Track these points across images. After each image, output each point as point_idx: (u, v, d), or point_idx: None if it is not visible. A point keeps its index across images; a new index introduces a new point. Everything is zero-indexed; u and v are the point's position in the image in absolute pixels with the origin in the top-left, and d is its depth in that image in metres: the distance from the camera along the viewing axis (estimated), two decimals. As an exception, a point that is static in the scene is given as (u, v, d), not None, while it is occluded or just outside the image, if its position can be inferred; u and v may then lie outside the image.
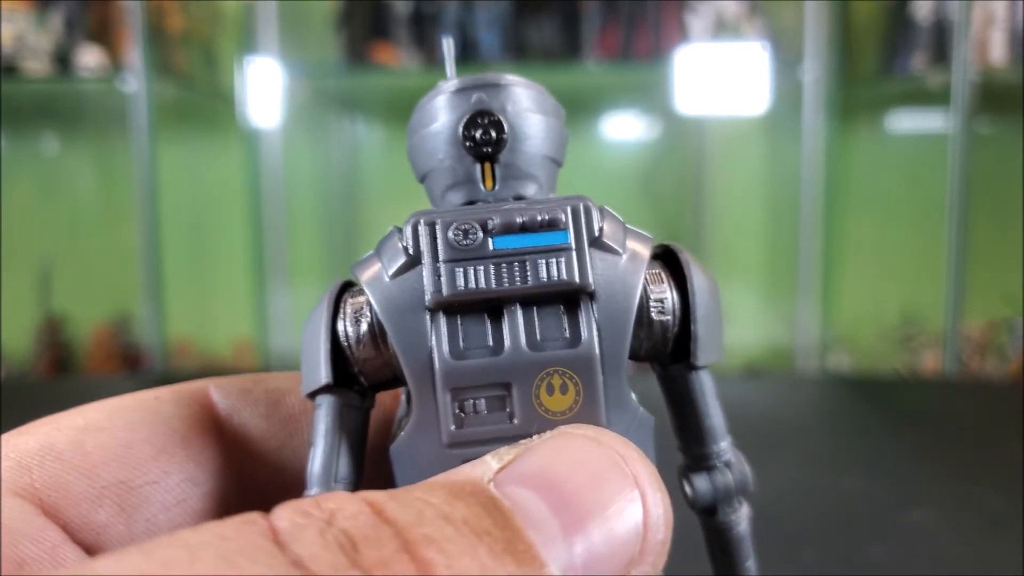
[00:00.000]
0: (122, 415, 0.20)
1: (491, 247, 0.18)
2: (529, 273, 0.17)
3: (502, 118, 0.19)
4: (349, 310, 0.19)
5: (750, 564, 0.21)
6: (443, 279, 0.17)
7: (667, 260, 0.20)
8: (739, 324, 1.80)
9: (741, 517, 0.20)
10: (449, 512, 0.12)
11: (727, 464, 0.20)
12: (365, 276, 0.18)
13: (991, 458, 0.57)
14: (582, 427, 0.16)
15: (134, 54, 1.58)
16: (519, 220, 0.18)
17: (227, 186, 1.83)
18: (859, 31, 1.77)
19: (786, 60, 1.68)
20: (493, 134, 0.19)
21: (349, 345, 0.19)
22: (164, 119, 1.69)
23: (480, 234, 0.18)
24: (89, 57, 1.63)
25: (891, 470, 0.55)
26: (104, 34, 1.67)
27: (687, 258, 0.19)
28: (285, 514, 0.13)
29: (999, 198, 1.60)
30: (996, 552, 0.41)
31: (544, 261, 0.18)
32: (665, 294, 0.19)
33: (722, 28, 1.68)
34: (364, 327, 0.19)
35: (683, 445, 0.20)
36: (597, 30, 1.66)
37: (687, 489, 0.20)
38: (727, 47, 1.68)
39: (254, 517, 0.13)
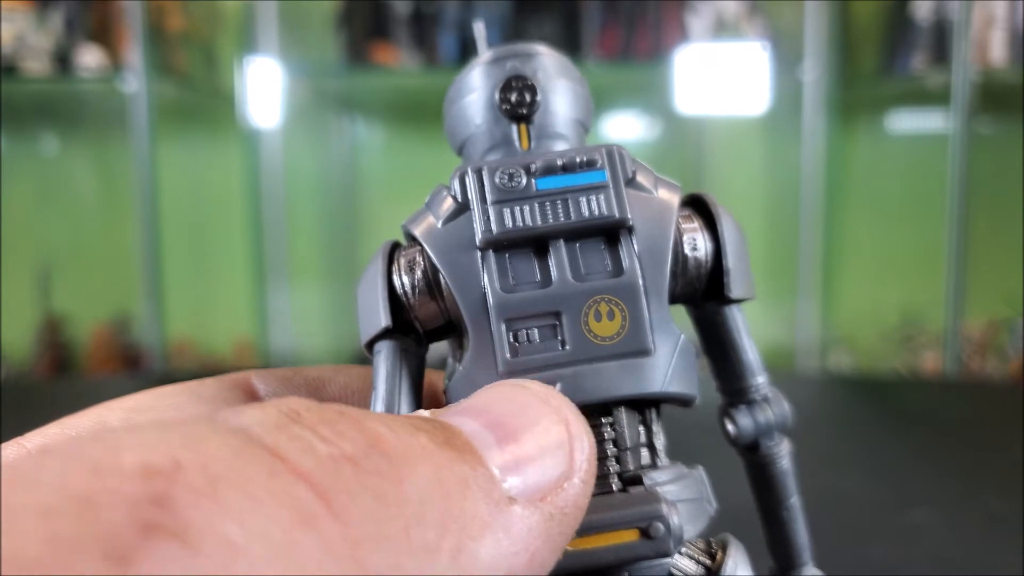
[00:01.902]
0: (169, 398, 0.21)
1: (535, 188, 0.19)
2: (572, 209, 0.19)
3: (535, 83, 0.20)
4: (403, 261, 0.20)
5: (794, 500, 0.22)
6: (492, 219, 0.18)
7: (696, 208, 0.21)
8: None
9: (783, 452, 0.21)
10: (394, 419, 0.13)
11: (765, 399, 0.21)
12: (417, 226, 0.20)
13: (991, 458, 0.57)
14: (511, 380, 0.17)
15: (134, 54, 1.58)
16: (559, 162, 0.19)
17: (227, 186, 1.83)
18: (859, 31, 1.77)
19: (786, 60, 1.68)
20: (527, 97, 0.20)
21: (405, 293, 0.20)
22: (164, 119, 1.69)
23: (524, 177, 0.19)
24: (89, 57, 1.63)
25: (891, 470, 0.55)
26: (104, 34, 1.67)
27: (715, 201, 0.20)
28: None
29: (999, 198, 1.60)
30: (996, 552, 0.41)
31: (585, 198, 0.19)
32: (697, 233, 0.20)
33: (722, 28, 1.68)
34: (419, 274, 0.20)
35: (721, 384, 0.21)
36: (597, 30, 1.66)
37: (729, 427, 0.21)
38: (727, 47, 1.68)
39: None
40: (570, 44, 1.65)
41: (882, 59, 1.70)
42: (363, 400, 0.20)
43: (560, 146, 0.20)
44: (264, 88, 1.70)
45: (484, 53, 0.21)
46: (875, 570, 0.40)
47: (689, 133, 1.85)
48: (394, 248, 0.20)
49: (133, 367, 1.79)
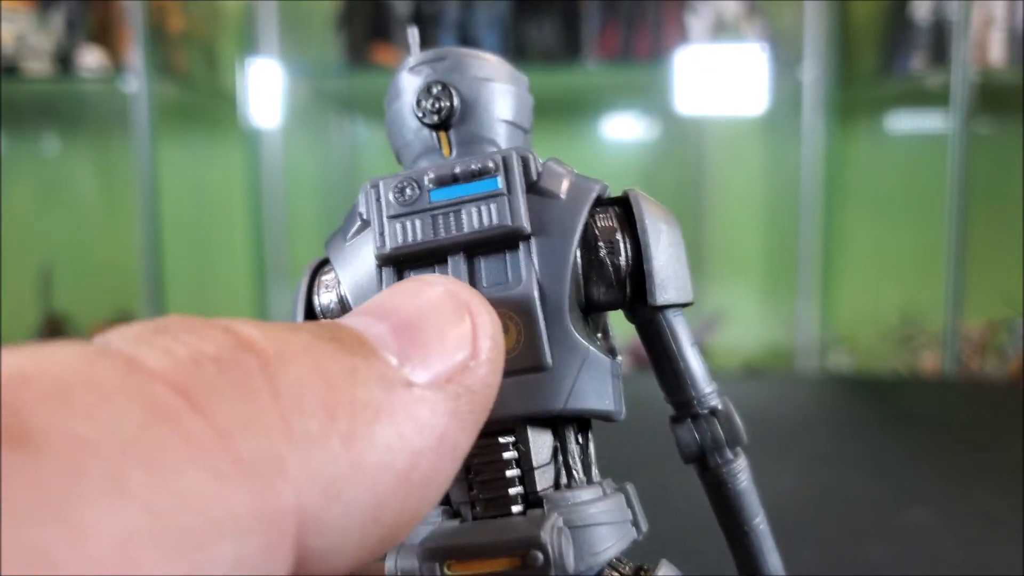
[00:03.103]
0: None
1: (428, 200, 0.18)
2: (464, 221, 0.18)
3: (452, 88, 0.19)
4: (324, 279, 0.20)
5: (758, 522, 0.20)
6: (387, 235, 0.18)
7: (623, 207, 0.20)
8: (739, 324, 1.80)
9: (737, 470, 0.20)
10: (271, 324, 0.13)
11: (713, 412, 0.20)
12: (330, 245, 0.20)
13: (990, 458, 0.57)
14: (414, 276, 0.17)
15: (135, 54, 1.58)
16: (452, 172, 0.18)
17: (227, 186, 1.83)
18: (858, 31, 1.77)
19: (785, 60, 1.68)
20: (444, 103, 0.19)
21: (322, 312, 0.20)
22: (165, 119, 1.69)
23: (417, 190, 0.18)
24: (90, 57, 1.63)
25: (891, 470, 0.55)
26: (105, 34, 1.67)
27: (638, 197, 0.19)
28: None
29: (998, 198, 1.60)
30: (995, 552, 0.42)
31: (476, 208, 0.18)
32: (615, 235, 0.19)
33: (722, 29, 1.68)
34: (333, 294, 0.20)
35: (666, 395, 0.20)
36: (597, 30, 1.67)
37: (677, 441, 0.20)
38: (727, 48, 1.68)
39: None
40: (570, 44, 1.66)
41: (881, 59, 1.71)
42: None
43: (488, 150, 0.20)
44: (265, 88, 1.70)
45: (409, 58, 0.21)
46: (874, 570, 0.40)
47: (689, 133, 1.85)
48: (321, 265, 0.20)
49: (134, 367, 1.79)
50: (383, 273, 0.18)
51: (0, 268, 1.67)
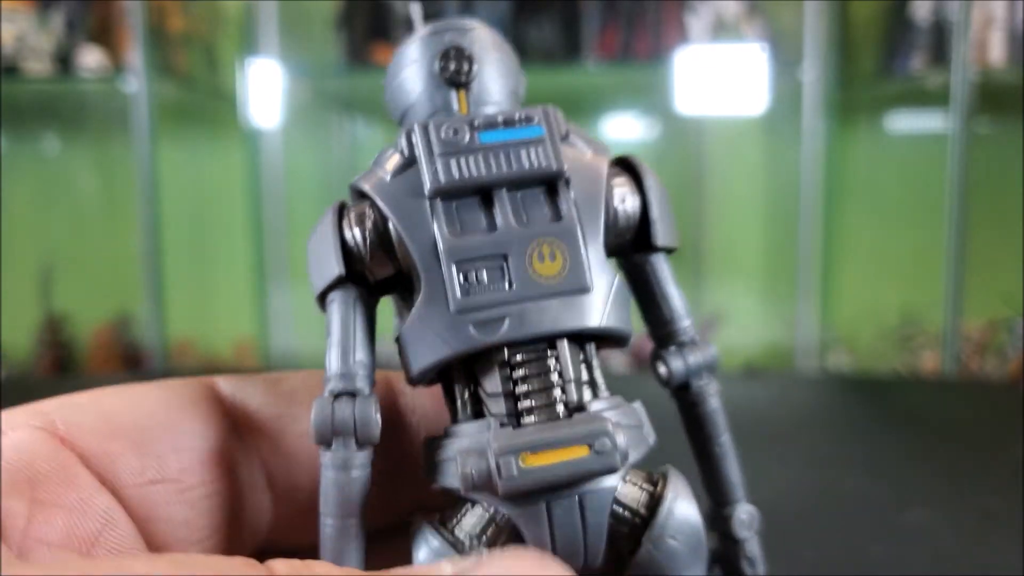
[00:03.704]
0: (135, 387, 0.22)
1: (478, 141, 0.20)
2: (513, 160, 0.20)
3: (471, 54, 0.21)
4: (353, 215, 0.21)
5: (725, 439, 0.23)
6: (440, 170, 0.20)
7: (625, 168, 0.23)
8: (739, 324, 1.80)
9: (712, 391, 0.23)
10: None
11: (693, 341, 0.23)
12: (367, 182, 0.21)
13: (990, 458, 0.57)
14: (531, 552, 0.18)
15: (135, 55, 1.59)
16: (500, 117, 0.20)
17: (228, 186, 1.83)
18: (858, 31, 1.77)
19: (785, 61, 1.68)
20: (465, 66, 0.21)
21: (356, 244, 0.21)
22: (165, 120, 1.69)
23: (467, 131, 0.20)
24: (90, 58, 1.63)
25: (890, 470, 0.55)
26: (105, 35, 1.67)
27: (640, 162, 0.22)
28: (281, 567, 0.14)
29: (998, 198, 1.60)
30: (995, 552, 0.42)
31: (524, 150, 0.20)
32: (625, 188, 0.22)
33: (722, 29, 1.68)
34: (369, 225, 0.21)
35: (652, 329, 0.23)
36: (597, 30, 1.67)
37: (661, 369, 0.23)
38: (726, 48, 1.68)
39: (253, 562, 0.14)
40: (570, 45, 1.66)
41: (881, 59, 1.71)
42: (312, 395, 0.21)
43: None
44: (265, 88, 1.70)
45: (421, 28, 0.22)
46: (873, 569, 0.40)
47: (688, 134, 1.85)
48: (343, 206, 0.21)
49: (134, 367, 1.79)
50: (435, 205, 0.20)
51: (0, 268, 1.67)
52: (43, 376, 1.76)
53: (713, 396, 0.23)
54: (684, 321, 0.23)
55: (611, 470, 0.19)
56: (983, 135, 1.60)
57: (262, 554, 0.17)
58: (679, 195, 1.84)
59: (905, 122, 1.89)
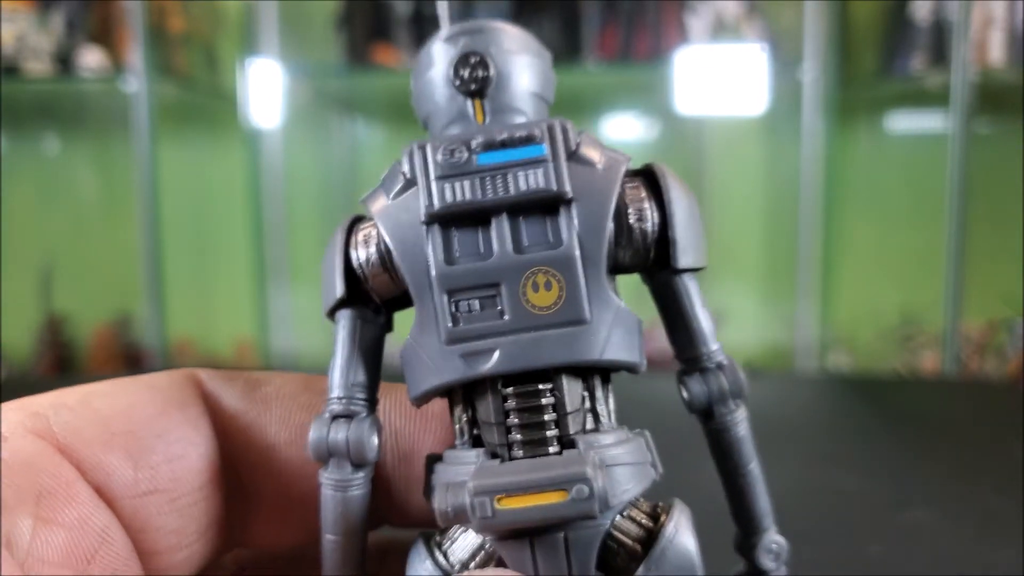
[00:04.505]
0: (123, 386, 0.22)
1: (476, 163, 0.19)
2: (511, 184, 0.19)
3: (487, 58, 0.20)
4: (360, 237, 0.21)
5: (753, 467, 0.22)
6: (435, 194, 0.19)
7: (647, 179, 0.21)
8: (738, 324, 1.80)
9: (738, 419, 0.22)
10: None
11: (719, 366, 0.22)
12: (370, 202, 0.21)
13: (990, 458, 0.57)
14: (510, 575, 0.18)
15: (135, 55, 1.59)
16: (499, 137, 0.19)
17: (228, 186, 1.83)
18: (858, 31, 1.77)
19: (785, 61, 1.68)
20: (480, 73, 0.20)
21: (360, 266, 0.21)
22: (165, 120, 1.69)
23: (465, 153, 0.19)
24: (90, 58, 1.63)
25: (890, 469, 0.55)
26: (105, 35, 1.67)
27: (664, 171, 0.21)
28: None
29: (998, 198, 1.60)
30: (995, 551, 0.42)
31: (524, 173, 0.19)
32: (644, 204, 0.21)
33: (721, 29, 1.68)
34: (372, 248, 0.21)
35: (676, 351, 0.22)
36: (597, 30, 1.67)
37: (684, 393, 0.22)
38: (726, 48, 1.68)
39: None
40: (570, 45, 1.66)
41: (881, 60, 1.71)
42: (293, 400, 0.22)
43: (517, 119, 0.21)
44: (265, 89, 1.70)
45: (444, 29, 0.22)
46: (873, 569, 0.40)
47: (688, 134, 1.85)
48: (354, 222, 0.21)
49: (134, 367, 1.79)
50: (432, 231, 0.19)
51: (0, 268, 1.67)
52: (43, 376, 1.76)
53: (739, 424, 0.22)
54: (710, 345, 0.22)
55: (587, 517, 0.18)
56: (983, 135, 1.60)
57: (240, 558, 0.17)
58: (679, 195, 1.83)
59: (905, 122, 1.89)
